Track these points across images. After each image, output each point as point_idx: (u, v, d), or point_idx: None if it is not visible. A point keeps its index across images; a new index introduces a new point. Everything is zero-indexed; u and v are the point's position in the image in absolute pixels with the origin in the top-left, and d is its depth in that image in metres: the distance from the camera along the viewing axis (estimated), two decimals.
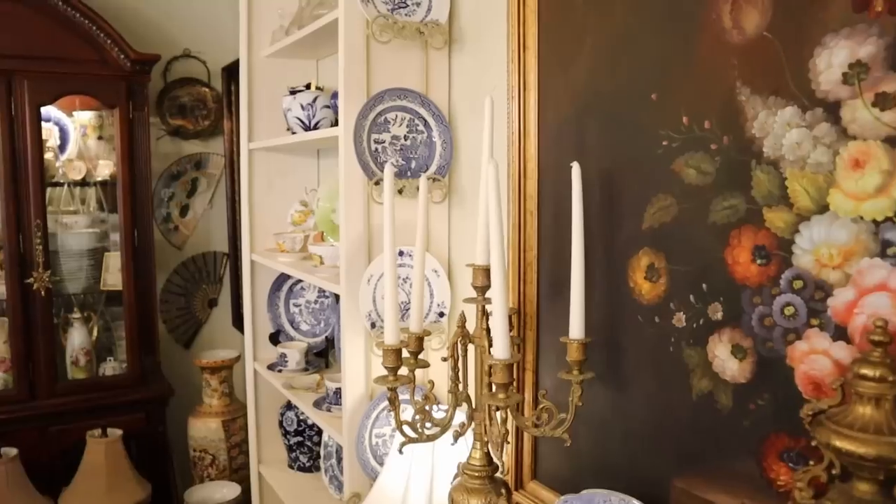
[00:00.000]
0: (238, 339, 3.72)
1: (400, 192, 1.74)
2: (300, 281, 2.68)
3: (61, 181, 3.15)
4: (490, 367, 1.17)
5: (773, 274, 1.05)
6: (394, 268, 1.27)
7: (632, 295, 1.31)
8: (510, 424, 1.38)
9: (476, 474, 1.34)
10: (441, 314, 1.83)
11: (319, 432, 2.58)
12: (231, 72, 3.61)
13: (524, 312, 1.54)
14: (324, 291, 2.67)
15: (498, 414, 1.25)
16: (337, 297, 2.59)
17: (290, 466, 2.65)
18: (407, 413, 1.64)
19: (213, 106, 3.71)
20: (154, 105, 3.54)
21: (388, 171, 1.28)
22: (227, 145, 3.67)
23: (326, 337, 2.62)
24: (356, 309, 1.79)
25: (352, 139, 1.70)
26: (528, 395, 1.55)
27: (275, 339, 2.66)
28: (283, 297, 2.69)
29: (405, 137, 1.80)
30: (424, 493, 1.53)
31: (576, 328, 1.29)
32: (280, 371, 2.51)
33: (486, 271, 1.33)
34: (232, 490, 2.96)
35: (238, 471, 3.15)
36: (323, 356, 2.61)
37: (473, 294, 1.39)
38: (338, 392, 2.06)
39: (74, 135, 3.22)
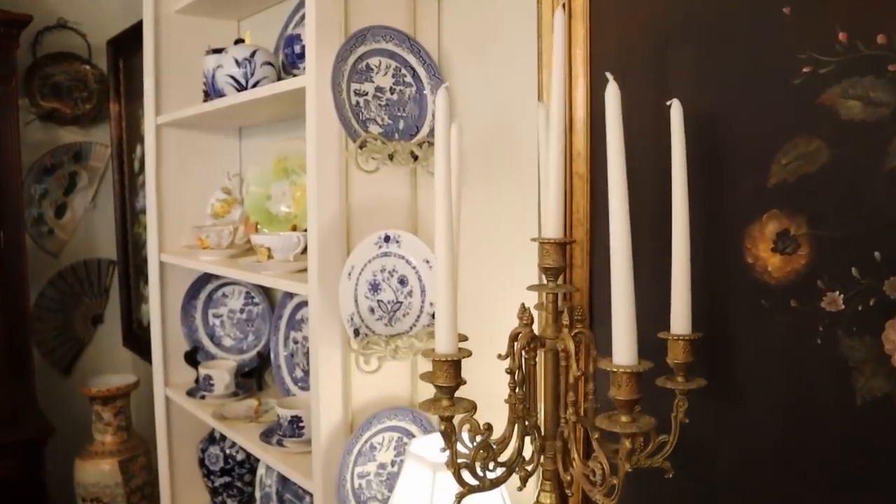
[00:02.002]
0: (131, 361, 3.15)
1: (391, 157, 1.35)
2: (221, 287, 2.21)
3: None
4: (612, 376, 0.81)
5: None
6: (448, 231, 0.88)
7: (751, 273, 0.99)
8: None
9: None
10: (435, 315, 1.45)
11: (252, 470, 2.11)
12: (119, 46, 3.06)
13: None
14: (252, 297, 2.21)
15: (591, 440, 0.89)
16: (271, 303, 2.15)
17: None
18: (420, 446, 1.25)
19: (96, 87, 3.14)
20: (21, 83, 2.93)
21: (443, 95, 0.89)
22: (115, 133, 3.11)
23: (259, 352, 2.16)
24: (332, 313, 1.37)
25: (328, 88, 1.29)
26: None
27: (191, 358, 2.17)
28: (200, 306, 2.21)
29: (391, 90, 1.41)
30: None
31: (681, 320, 0.96)
32: (203, 398, 2.02)
33: (561, 247, 0.97)
34: None
35: None
36: (253, 377, 2.15)
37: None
38: (294, 421, 1.63)
39: None
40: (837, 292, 0.90)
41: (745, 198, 0.99)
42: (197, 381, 2.13)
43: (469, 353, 0.89)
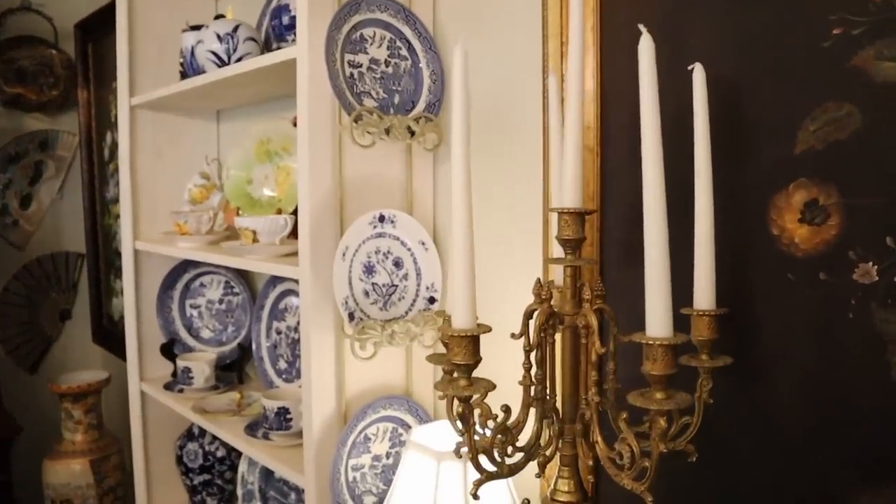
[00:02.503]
0: (101, 358, 3.03)
1: (387, 132, 1.28)
2: (198, 276, 2.12)
3: None
4: (645, 349, 0.75)
5: None
6: (466, 197, 0.81)
7: (776, 245, 0.94)
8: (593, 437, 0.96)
9: None
10: (432, 300, 1.39)
11: (233, 467, 2.03)
12: (87, 30, 2.94)
13: None
14: (231, 287, 2.12)
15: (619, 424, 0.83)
16: (253, 292, 2.06)
17: None
18: (421, 435, 1.19)
19: (63, 73, 3.02)
20: None
21: (460, 54, 0.82)
22: (83, 120, 2.99)
23: (240, 344, 2.08)
24: (325, 296, 1.30)
25: (322, 57, 1.22)
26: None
27: (168, 350, 2.07)
28: (176, 297, 2.11)
29: (386, 63, 1.34)
30: None
31: (705, 295, 0.91)
32: (181, 391, 1.93)
33: (581, 218, 0.91)
34: None
35: None
36: (233, 369, 2.06)
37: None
38: (281, 413, 1.55)
39: None
40: (871, 263, 0.86)
41: (771, 167, 0.95)
42: (174, 374, 2.04)
43: (489, 329, 0.83)
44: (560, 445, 0.93)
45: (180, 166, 2.10)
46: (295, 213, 1.60)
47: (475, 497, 0.85)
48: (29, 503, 2.60)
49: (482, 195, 1.35)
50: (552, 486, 0.96)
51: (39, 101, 2.97)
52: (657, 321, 0.77)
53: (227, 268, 2.10)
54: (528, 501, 1.00)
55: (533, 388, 0.91)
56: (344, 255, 1.29)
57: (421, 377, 1.46)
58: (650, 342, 0.76)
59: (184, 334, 2.11)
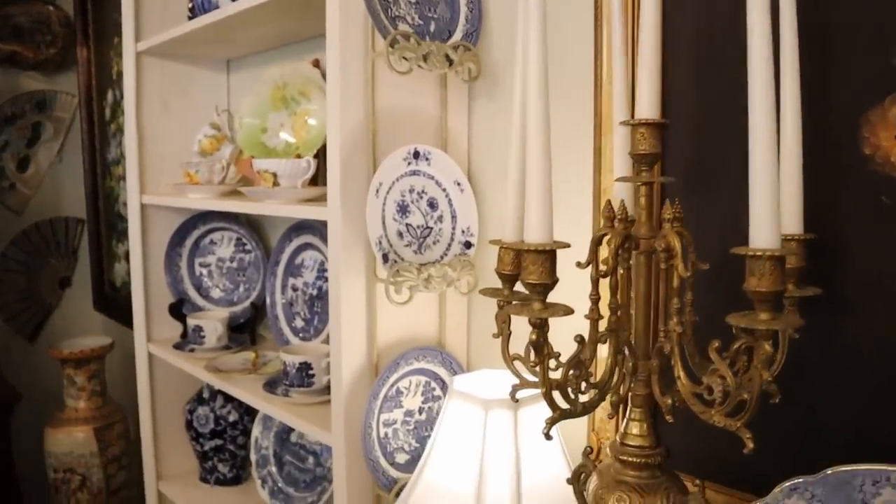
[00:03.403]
0: (101, 326, 2.93)
1: (425, 58, 1.18)
2: (208, 233, 2.02)
3: None
4: (750, 263, 0.66)
5: None
6: (543, 89, 0.72)
7: (869, 165, 0.85)
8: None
9: (640, 459, 0.83)
10: (468, 244, 1.29)
11: (245, 432, 1.94)
12: None
13: None
14: (243, 244, 2.02)
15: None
16: (266, 250, 1.97)
17: (205, 480, 1.99)
18: (464, 383, 1.11)
19: (61, 30, 2.90)
20: None
21: None
22: (83, 79, 2.87)
23: (252, 303, 1.98)
24: (356, 238, 1.21)
25: None
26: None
27: (177, 310, 1.98)
28: (185, 254, 2.02)
29: None
30: (509, 494, 0.99)
31: (792, 219, 0.83)
32: (192, 351, 1.84)
33: (659, 130, 0.82)
34: None
35: (118, 492, 2.41)
36: (244, 330, 1.97)
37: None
38: (303, 368, 1.46)
39: None
40: None
41: (863, 79, 0.85)
42: (183, 335, 1.95)
43: (568, 245, 0.73)
44: (633, 384, 0.85)
45: (189, 118, 1.99)
46: (316, 156, 1.50)
47: (547, 437, 0.77)
48: (29, 472, 2.51)
49: None
50: (622, 429, 0.87)
51: (36, 60, 2.85)
52: (764, 231, 0.68)
53: (239, 223, 2.01)
54: (591, 449, 0.91)
55: (607, 319, 0.82)
56: (377, 191, 1.20)
57: (454, 328, 1.37)
58: (757, 254, 0.67)
59: (193, 294, 2.02)
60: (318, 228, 1.69)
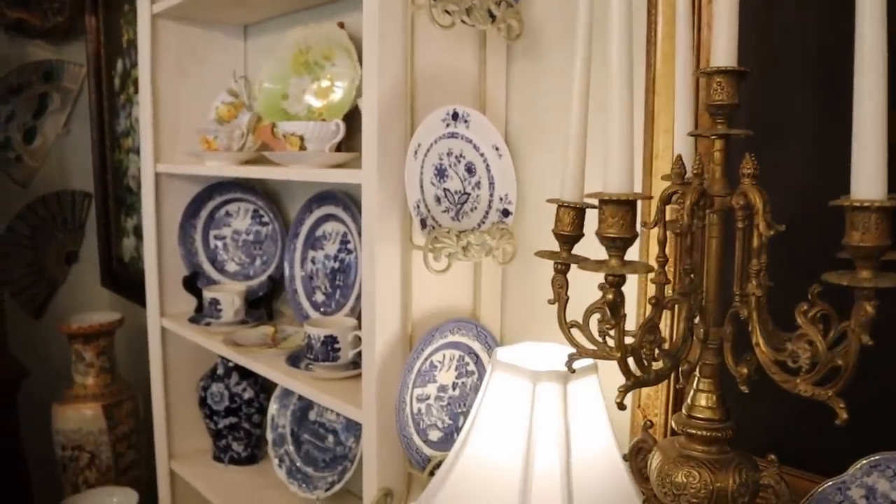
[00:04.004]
0: (109, 303, 2.87)
1: (468, 12, 1.11)
2: (224, 204, 1.96)
3: None
4: (851, 216, 0.60)
5: None
6: (627, 31, 0.65)
7: None
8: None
9: (709, 433, 0.77)
10: (506, 212, 1.23)
11: (261, 410, 1.89)
12: None
13: None
14: (260, 216, 1.96)
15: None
16: (285, 222, 1.91)
17: (218, 459, 1.93)
18: (508, 354, 1.04)
19: None
20: None
21: None
22: (92, 49, 2.80)
23: (270, 276, 1.92)
24: (392, 202, 1.14)
25: None
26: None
27: (191, 284, 1.92)
28: (200, 226, 1.95)
29: None
30: (559, 469, 0.93)
31: (870, 180, 0.76)
32: (208, 325, 1.78)
33: (737, 78, 0.75)
34: (126, 498, 2.17)
35: (127, 471, 2.36)
36: (260, 306, 1.91)
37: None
38: (328, 342, 1.40)
39: None
40: None
41: None
42: (198, 309, 1.89)
43: (649, 196, 0.67)
44: (703, 353, 0.78)
45: (205, 85, 1.92)
46: (345, 119, 1.44)
47: (621, 406, 0.71)
48: (37, 451, 2.45)
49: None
50: (689, 402, 0.81)
51: (43, 28, 2.77)
52: (868, 180, 0.61)
53: (256, 194, 1.94)
54: (651, 423, 0.86)
55: (680, 282, 0.75)
56: (416, 153, 1.13)
57: (488, 301, 1.31)
58: (863, 205, 0.61)
59: (207, 267, 1.95)
60: (341, 199, 1.62)
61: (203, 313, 1.82)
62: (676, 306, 0.76)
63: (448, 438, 1.24)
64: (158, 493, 2.00)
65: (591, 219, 0.74)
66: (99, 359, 2.36)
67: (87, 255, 2.96)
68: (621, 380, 0.72)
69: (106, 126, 2.79)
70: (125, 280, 2.75)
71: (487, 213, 1.23)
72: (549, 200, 0.86)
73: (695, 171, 0.75)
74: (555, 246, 0.81)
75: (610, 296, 0.66)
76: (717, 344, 0.79)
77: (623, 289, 0.71)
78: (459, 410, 1.26)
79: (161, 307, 1.93)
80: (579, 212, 0.82)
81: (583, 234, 0.83)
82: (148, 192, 1.89)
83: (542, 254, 0.86)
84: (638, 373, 0.71)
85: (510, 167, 1.23)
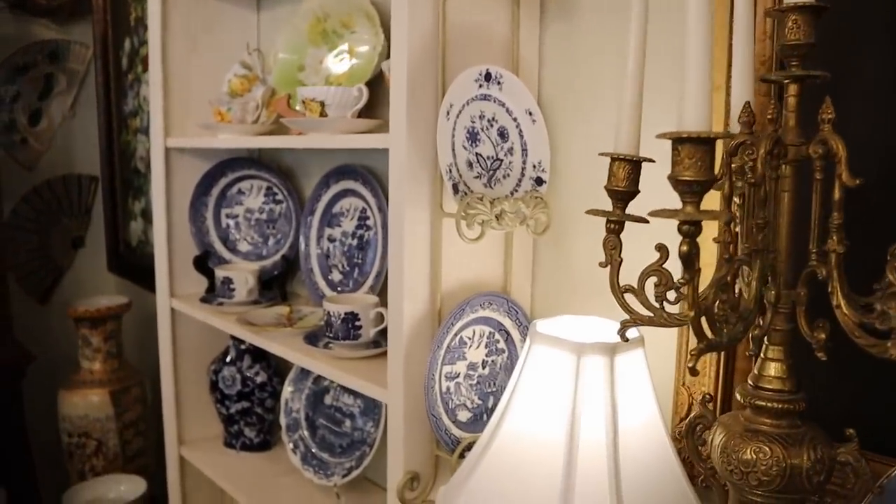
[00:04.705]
0: (115, 288, 2.81)
1: None
2: (237, 181, 1.89)
3: None
4: None
5: None
6: None
7: None
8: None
9: (780, 405, 0.71)
10: (539, 180, 1.16)
11: (274, 394, 1.82)
12: None
13: None
14: (274, 194, 1.89)
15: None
16: (300, 200, 1.84)
17: (230, 445, 1.87)
18: (548, 327, 0.98)
19: None
20: None
21: None
22: (99, 29, 2.73)
23: (284, 255, 1.85)
24: (421, 166, 1.07)
25: None
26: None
27: (202, 263, 1.85)
28: (211, 204, 1.88)
29: None
30: (605, 442, 0.87)
31: None
32: (221, 304, 1.72)
33: (815, 15, 0.68)
34: (134, 486, 2.11)
35: (135, 459, 2.30)
36: (273, 286, 1.84)
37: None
38: (349, 319, 1.33)
39: None
40: None
41: None
42: (209, 290, 1.82)
43: (728, 135, 0.60)
44: (772, 318, 0.71)
45: (217, 57, 1.85)
46: (368, 84, 1.37)
47: (693, 372, 0.64)
48: (42, 438, 2.39)
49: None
50: (756, 371, 0.74)
51: (49, 6, 2.71)
52: None
53: (270, 171, 1.87)
54: (710, 396, 0.79)
55: (744, 241, 0.69)
56: (448, 113, 1.06)
57: (518, 273, 1.24)
58: None
59: (218, 246, 1.89)
60: (360, 172, 1.55)
61: (215, 293, 1.75)
62: (746, 267, 0.69)
63: (477, 420, 1.18)
64: (168, 479, 1.94)
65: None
66: (106, 343, 2.30)
67: (94, 240, 2.90)
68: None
69: (113, 108, 2.72)
70: (132, 265, 2.68)
71: (520, 181, 1.16)
72: (602, 154, 0.79)
73: (769, 117, 0.68)
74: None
75: (685, 247, 0.59)
76: (789, 308, 0.72)
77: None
78: (489, 390, 1.20)
79: (171, 288, 1.87)
80: (635, 165, 0.75)
81: (638, 191, 0.76)
82: (158, 169, 1.82)
83: (595, 212, 0.79)
84: (709, 335, 0.64)
85: (544, 134, 1.16)
